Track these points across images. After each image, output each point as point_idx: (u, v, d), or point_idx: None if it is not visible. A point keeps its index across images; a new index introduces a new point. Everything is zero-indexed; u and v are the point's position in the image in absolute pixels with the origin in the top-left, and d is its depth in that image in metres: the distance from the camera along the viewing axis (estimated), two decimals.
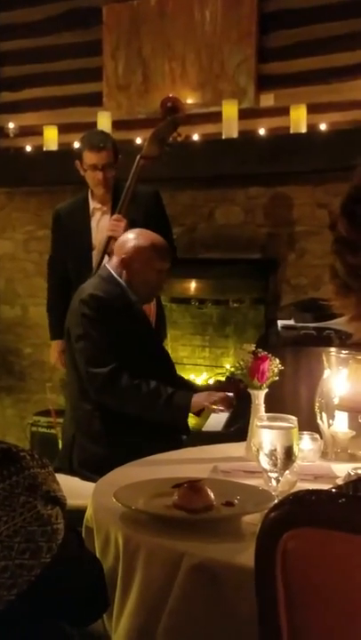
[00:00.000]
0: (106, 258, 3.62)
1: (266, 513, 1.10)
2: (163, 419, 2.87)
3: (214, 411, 2.95)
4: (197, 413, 2.96)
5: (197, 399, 2.86)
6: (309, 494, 1.04)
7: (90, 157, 3.80)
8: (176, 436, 2.89)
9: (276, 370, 2.27)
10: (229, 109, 4.40)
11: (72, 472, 2.91)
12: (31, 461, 1.29)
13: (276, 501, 1.68)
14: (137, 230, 3.15)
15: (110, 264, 3.06)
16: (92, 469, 2.77)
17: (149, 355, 3.03)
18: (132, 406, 2.85)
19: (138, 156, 3.78)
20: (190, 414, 2.91)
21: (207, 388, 3.28)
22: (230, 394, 2.92)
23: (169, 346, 4.78)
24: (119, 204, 3.73)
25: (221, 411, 2.98)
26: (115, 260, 3.04)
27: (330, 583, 1.03)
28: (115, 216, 3.68)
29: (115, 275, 2.99)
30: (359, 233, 1.04)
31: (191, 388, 3.18)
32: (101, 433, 2.92)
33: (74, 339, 2.94)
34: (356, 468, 2.01)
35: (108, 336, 2.89)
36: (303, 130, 4.25)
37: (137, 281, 2.99)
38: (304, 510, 1.03)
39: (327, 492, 1.05)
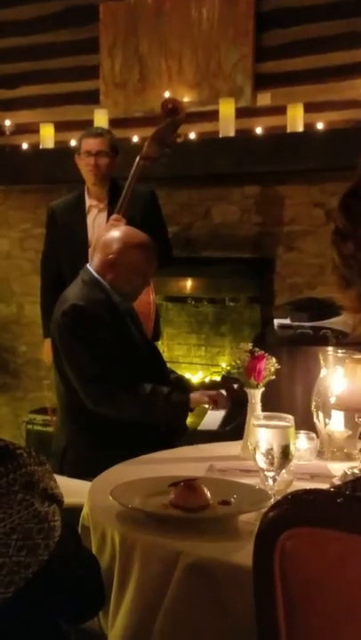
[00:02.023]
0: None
1: (264, 512, 1.10)
2: (163, 419, 2.85)
3: (212, 408, 2.95)
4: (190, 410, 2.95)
5: (194, 397, 2.85)
6: (308, 494, 1.04)
7: (85, 144, 3.87)
8: (171, 439, 2.85)
9: (272, 369, 2.27)
10: (226, 108, 4.40)
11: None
12: (28, 459, 1.29)
13: (272, 500, 1.68)
14: (124, 229, 3.07)
15: (93, 265, 2.95)
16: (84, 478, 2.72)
17: (141, 354, 2.98)
18: (132, 412, 2.80)
19: (138, 157, 3.79)
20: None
21: (202, 386, 3.28)
22: (224, 392, 2.91)
23: (165, 344, 4.78)
24: (118, 204, 3.72)
25: (216, 409, 2.98)
26: (98, 259, 2.93)
27: (328, 582, 1.03)
28: (114, 216, 3.67)
29: (97, 277, 2.89)
30: (352, 225, 1.07)
31: (186, 385, 3.17)
32: (92, 446, 2.87)
33: (60, 352, 2.87)
34: (352, 468, 2.01)
35: (95, 345, 2.81)
36: (300, 129, 4.24)
37: (121, 282, 2.89)
38: (302, 510, 1.03)
39: (325, 491, 1.05)
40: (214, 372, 4.65)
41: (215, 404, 2.93)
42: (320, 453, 2.24)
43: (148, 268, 2.95)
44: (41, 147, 4.94)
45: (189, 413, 2.97)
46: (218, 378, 4.17)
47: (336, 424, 2.24)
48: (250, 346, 2.31)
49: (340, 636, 1.04)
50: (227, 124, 4.39)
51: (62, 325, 2.84)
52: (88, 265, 3.02)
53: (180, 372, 4.71)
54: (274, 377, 2.28)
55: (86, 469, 2.73)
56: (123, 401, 2.79)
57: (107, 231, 3.57)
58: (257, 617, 1.11)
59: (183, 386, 3.08)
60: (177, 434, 2.98)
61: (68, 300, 2.89)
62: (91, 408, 2.82)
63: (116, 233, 3.00)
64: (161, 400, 2.80)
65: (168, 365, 3.30)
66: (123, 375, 2.82)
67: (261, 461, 1.73)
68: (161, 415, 2.83)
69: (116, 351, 2.85)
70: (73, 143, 4.58)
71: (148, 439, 2.79)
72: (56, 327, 2.88)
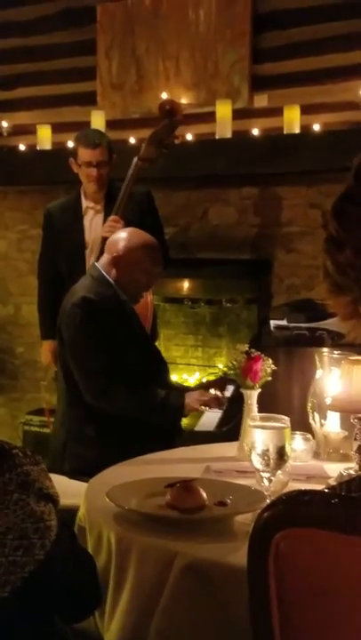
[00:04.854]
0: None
1: (259, 513, 1.10)
2: (159, 421, 2.87)
3: (207, 407, 2.97)
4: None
5: (189, 400, 2.87)
6: (302, 494, 1.04)
7: (84, 154, 3.82)
8: (169, 439, 2.87)
9: (268, 370, 2.28)
10: (223, 109, 4.41)
11: (63, 474, 2.90)
12: (24, 458, 1.29)
13: (268, 501, 1.68)
14: (130, 230, 3.12)
15: (100, 263, 3.02)
16: (84, 474, 2.74)
17: (142, 354, 3.02)
18: (128, 410, 2.84)
19: (135, 158, 3.79)
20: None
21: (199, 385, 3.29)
22: (219, 394, 2.93)
23: (162, 345, 4.78)
24: (116, 206, 3.72)
25: (216, 407, 3.00)
26: (105, 258, 3.01)
27: (322, 583, 1.03)
28: (112, 217, 3.67)
29: (105, 274, 2.96)
30: (347, 231, 1.06)
31: (182, 389, 3.19)
32: (94, 439, 2.90)
33: (67, 343, 2.91)
34: (348, 468, 2.02)
35: (102, 340, 2.86)
36: (297, 130, 4.25)
37: (126, 280, 2.95)
38: (297, 510, 1.04)
39: (320, 492, 1.05)
40: (211, 373, 4.65)
41: (209, 406, 2.95)
42: (316, 454, 2.24)
43: (152, 267, 3.00)
44: (38, 148, 4.94)
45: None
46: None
47: (332, 425, 2.25)
48: (246, 347, 2.32)
49: (334, 636, 1.04)
50: (224, 125, 4.39)
51: (71, 316, 2.88)
52: (95, 262, 3.09)
53: (177, 374, 4.75)
54: (270, 378, 2.28)
55: (86, 462, 2.77)
56: (121, 398, 2.83)
57: (105, 232, 3.60)
58: (252, 617, 1.11)
59: (179, 390, 3.10)
60: (174, 434, 3.00)
61: (77, 293, 2.94)
62: (89, 401, 2.84)
63: (122, 234, 3.07)
64: (158, 402, 2.83)
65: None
66: (124, 372, 2.85)
67: (257, 462, 1.73)
68: (155, 417, 2.85)
69: (120, 347, 2.89)
70: (70, 145, 4.58)
71: (148, 433, 2.82)
72: (64, 318, 2.93)
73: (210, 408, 3.01)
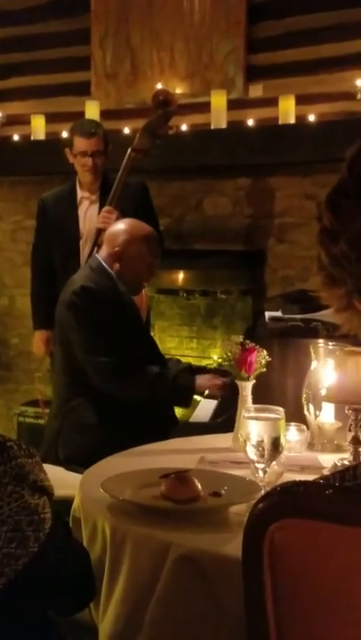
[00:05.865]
0: (96, 248, 3.62)
1: (254, 504, 1.10)
2: (169, 400, 2.91)
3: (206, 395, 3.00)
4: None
5: (201, 382, 2.91)
6: (297, 485, 1.05)
7: (80, 143, 3.81)
8: (163, 430, 2.89)
9: (263, 361, 2.27)
10: (218, 100, 4.40)
11: (58, 463, 2.91)
12: (18, 451, 1.29)
13: (262, 492, 1.69)
14: (128, 221, 3.13)
15: (101, 255, 3.04)
16: (78, 463, 2.75)
17: (139, 345, 3.03)
18: (140, 391, 2.87)
19: (129, 149, 3.78)
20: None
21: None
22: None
23: (156, 337, 4.78)
24: (110, 196, 3.72)
25: (222, 395, 3.02)
26: (105, 251, 3.02)
27: (317, 574, 1.03)
28: (106, 208, 3.67)
29: (105, 266, 2.98)
30: (341, 223, 1.05)
31: (185, 368, 3.20)
32: (88, 427, 2.91)
33: (68, 331, 2.92)
34: (342, 459, 2.02)
35: (105, 325, 2.89)
36: (292, 121, 4.24)
37: (127, 273, 2.98)
38: (292, 501, 1.04)
39: (315, 483, 1.06)
40: (206, 365, 4.65)
41: (222, 390, 2.97)
42: (310, 445, 2.25)
43: (153, 259, 3.02)
44: (32, 138, 4.93)
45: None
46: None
47: (326, 416, 2.25)
48: (241, 338, 2.32)
49: (328, 627, 1.04)
50: (219, 115, 4.38)
51: (72, 304, 2.90)
52: (95, 254, 3.13)
53: None
54: (265, 369, 2.28)
55: (80, 450, 2.78)
56: (132, 379, 2.86)
57: (99, 223, 3.60)
58: (246, 607, 1.11)
59: (190, 369, 3.13)
60: (169, 424, 3.01)
61: (76, 283, 2.97)
62: (97, 384, 2.86)
63: (121, 225, 3.08)
64: (168, 382, 2.87)
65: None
66: (127, 357, 2.87)
67: (252, 453, 1.74)
68: (166, 396, 2.89)
69: (117, 335, 2.92)
70: (64, 135, 4.57)
71: (143, 423, 2.83)
72: (64, 307, 2.94)
73: (218, 394, 3.03)
